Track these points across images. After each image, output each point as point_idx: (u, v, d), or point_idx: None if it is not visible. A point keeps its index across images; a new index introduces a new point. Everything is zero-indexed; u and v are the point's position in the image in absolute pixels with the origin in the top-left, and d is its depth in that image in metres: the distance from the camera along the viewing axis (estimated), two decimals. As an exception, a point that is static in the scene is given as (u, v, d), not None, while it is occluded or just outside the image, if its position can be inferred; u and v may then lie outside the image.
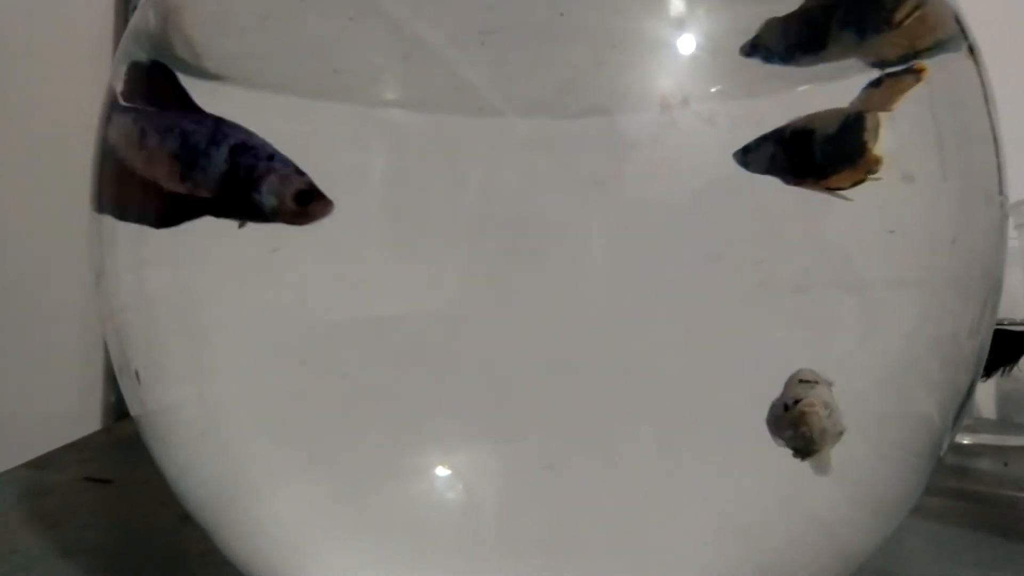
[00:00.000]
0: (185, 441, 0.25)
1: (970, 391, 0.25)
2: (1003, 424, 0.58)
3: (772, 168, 0.21)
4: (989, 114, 0.25)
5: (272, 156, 0.21)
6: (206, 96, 0.24)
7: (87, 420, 0.70)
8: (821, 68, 0.22)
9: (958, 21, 0.25)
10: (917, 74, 0.22)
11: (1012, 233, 0.26)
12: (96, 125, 0.26)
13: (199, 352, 0.24)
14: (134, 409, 0.26)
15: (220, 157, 0.20)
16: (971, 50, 0.25)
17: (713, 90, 0.21)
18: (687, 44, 0.21)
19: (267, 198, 0.20)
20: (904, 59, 0.22)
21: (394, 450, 0.22)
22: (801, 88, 0.23)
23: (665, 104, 0.20)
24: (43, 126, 0.71)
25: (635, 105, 0.21)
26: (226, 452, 0.24)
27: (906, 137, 0.22)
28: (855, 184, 0.21)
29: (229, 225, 0.23)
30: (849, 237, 0.22)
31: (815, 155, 0.21)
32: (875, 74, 0.22)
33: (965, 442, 0.58)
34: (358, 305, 0.22)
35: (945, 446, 0.25)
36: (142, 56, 0.25)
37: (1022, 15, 0.67)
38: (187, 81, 0.24)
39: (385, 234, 0.21)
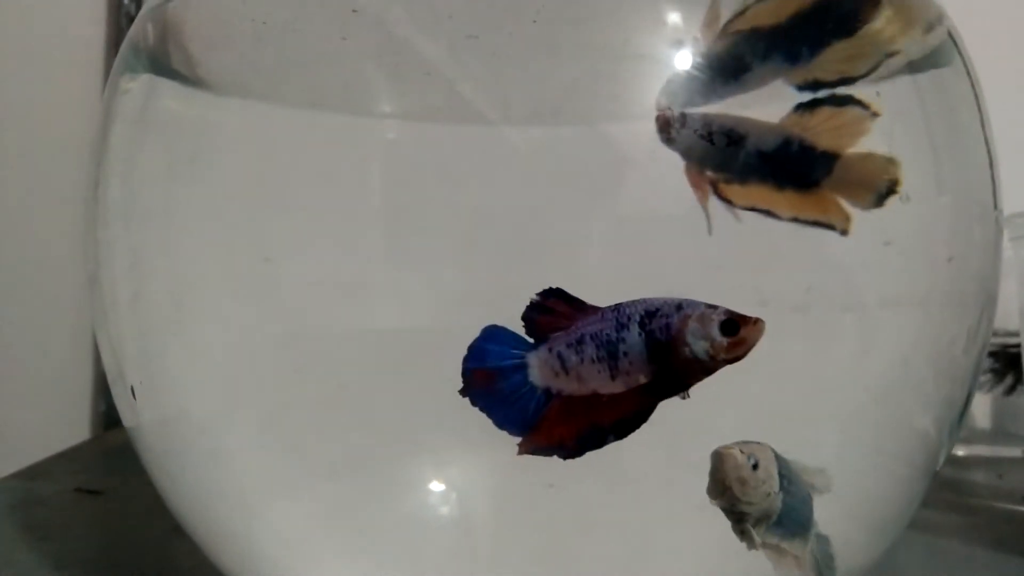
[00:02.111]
0: (178, 452, 0.25)
1: (966, 404, 0.25)
2: (998, 435, 0.58)
3: (688, 155, 0.21)
4: (983, 128, 0.25)
5: (680, 307, 0.20)
6: (204, 108, 0.24)
7: (77, 429, 0.69)
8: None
9: (950, 35, 0.25)
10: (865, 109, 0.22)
11: (1005, 245, 0.26)
12: (94, 136, 0.26)
13: (192, 362, 0.24)
14: (127, 420, 0.26)
15: (634, 336, 0.20)
16: (964, 64, 0.25)
17: (708, 102, 0.21)
18: (683, 58, 0.21)
19: (699, 347, 0.20)
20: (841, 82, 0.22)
21: (389, 462, 0.22)
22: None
23: (662, 120, 0.20)
24: (35, 132, 0.71)
25: (633, 117, 0.21)
26: (219, 464, 0.24)
27: (902, 154, 0.22)
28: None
29: (222, 235, 0.23)
30: (848, 257, 0.22)
31: (737, 161, 0.21)
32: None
33: (959, 454, 0.57)
34: (352, 316, 0.22)
35: (941, 460, 0.25)
36: (141, 68, 0.25)
37: (1013, 25, 0.67)
38: (186, 93, 0.24)
39: (380, 245, 0.21)
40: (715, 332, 0.20)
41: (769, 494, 0.21)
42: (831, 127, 0.21)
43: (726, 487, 0.20)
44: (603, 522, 0.22)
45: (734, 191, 0.21)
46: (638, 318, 0.20)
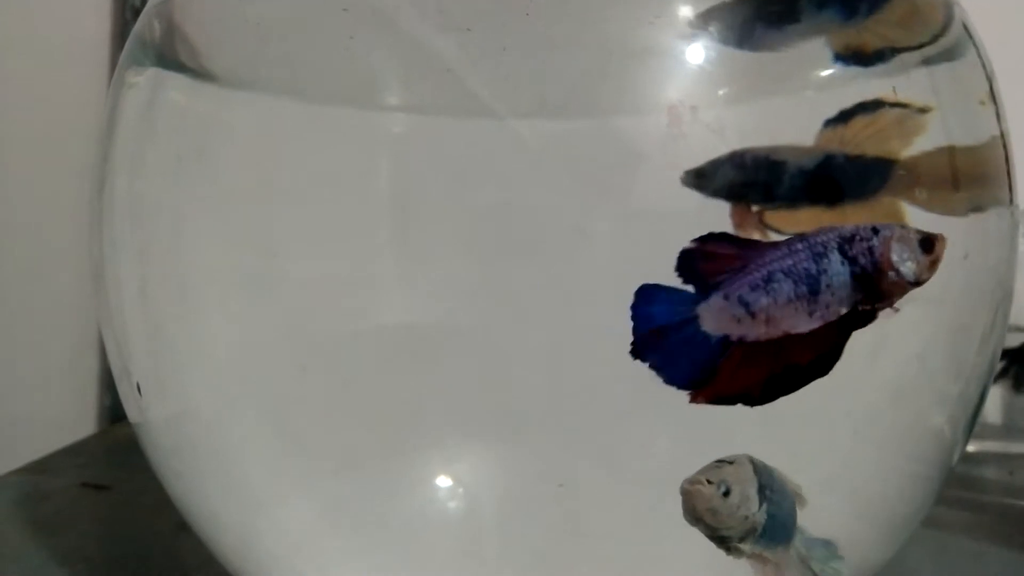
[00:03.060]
0: (183, 448, 0.25)
1: (981, 401, 0.25)
2: (1009, 430, 0.57)
3: (729, 193, 0.20)
4: (999, 120, 0.25)
5: (876, 230, 0.19)
6: (211, 102, 0.23)
7: (83, 423, 0.69)
8: (833, 74, 0.22)
9: (965, 27, 0.25)
10: (905, 107, 0.21)
11: (1020, 240, 0.26)
12: (100, 130, 0.26)
13: (198, 358, 0.24)
14: (132, 416, 0.26)
15: (836, 265, 0.19)
16: (979, 56, 0.25)
17: (721, 93, 0.21)
18: (695, 49, 0.21)
19: (907, 267, 0.19)
20: (880, 55, 0.22)
21: (395, 459, 0.22)
22: (807, 93, 0.22)
23: (674, 116, 0.20)
24: (40, 126, 0.71)
25: (643, 110, 0.21)
26: (224, 460, 0.24)
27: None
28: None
29: (229, 229, 0.23)
30: None
31: (782, 186, 0.20)
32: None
33: (970, 449, 0.56)
34: (359, 311, 0.21)
35: (956, 457, 0.25)
36: (147, 61, 0.25)
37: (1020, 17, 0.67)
38: (193, 86, 0.24)
39: (386, 239, 0.21)
40: (918, 251, 0.19)
41: (747, 516, 0.20)
42: (873, 133, 0.21)
43: (699, 519, 0.20)
44: (612, 522, 0.22)
45: (782, 218, 0.20)
46: (835, 245, 0.19)
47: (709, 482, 0.20)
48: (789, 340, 0.19)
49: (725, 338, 0.19)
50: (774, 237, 0.20)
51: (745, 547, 0.21)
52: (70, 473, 0.48)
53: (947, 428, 0.24)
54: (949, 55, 0.24)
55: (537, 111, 0.21)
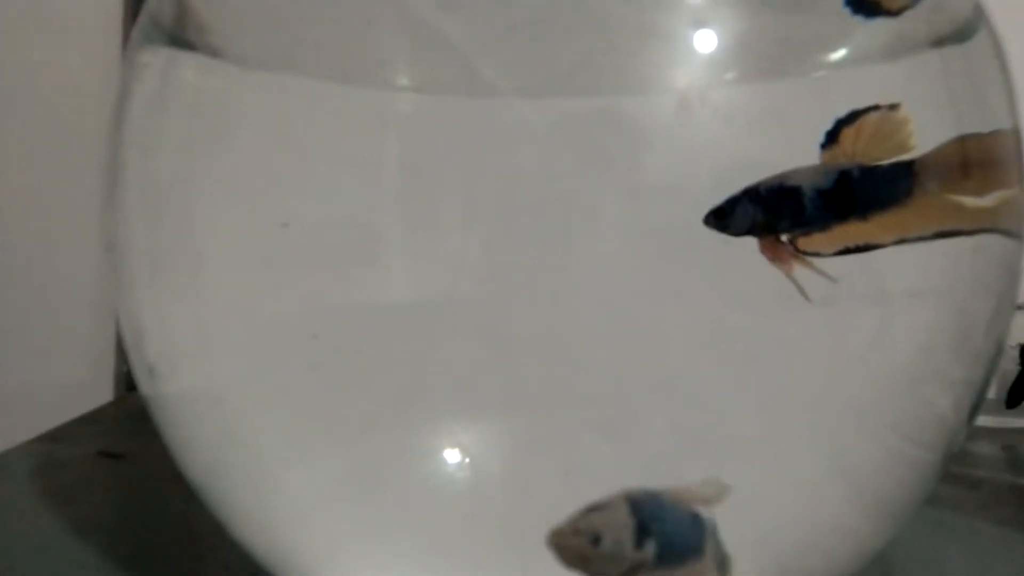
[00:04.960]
0: (194, 420, 0.25)
1: (985, 386, 0.25)
2: (1004, 405, 0.57)
3: (753, 229, 0.20)
4: (1010, 104, 0.25)
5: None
6: (223, 81, 0.23)
7: (99, 392, 0.70)
8: (842, 57, 0.22)
9: (978, 8, 0.24)
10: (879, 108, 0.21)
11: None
12: (113, 107, 0.26)
13: (210, 332, 0.24)
14: (144, 388, 0.27)
15: None
16: (992, 38, 0.25)
17: (728, 77, 0.21)
18: (704, 33, 0.21)
19: None
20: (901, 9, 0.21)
21: (406, 428, 0.22)
22: (818, 74, 0.22)
23: (685, 101, 0.20)
24: (55, 102, 0.71)
25: (654, 90, 0.21)
26: (235, 432, 0.24)
27: (928, 136, 0.21)
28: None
29: (240, 206, 0.23)
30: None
31: (805, 209, 0.20)
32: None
33: None
34: (368, 287, 0.22)
35: (958, 443, 0.25)
36: (158, 39, 0.25)
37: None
38: (204, 65, 0.24)
39: (397, 216, 0.21)
40: None
41: (624, 557, 0.20)
42: (878, 137, 0.21)
43: (572, 567, 0.20)
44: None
45: (818, 241, 0.20)
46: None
47: (577, 532, 0.20)
48: None
49: None
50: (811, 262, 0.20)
51: None
52: (86, 442, 0.49)
53: (951, 414, 0.24)
54: (961, 35, 0.23)
55: (544, 90, 0.21)
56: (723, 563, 0.21)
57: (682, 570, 0.21)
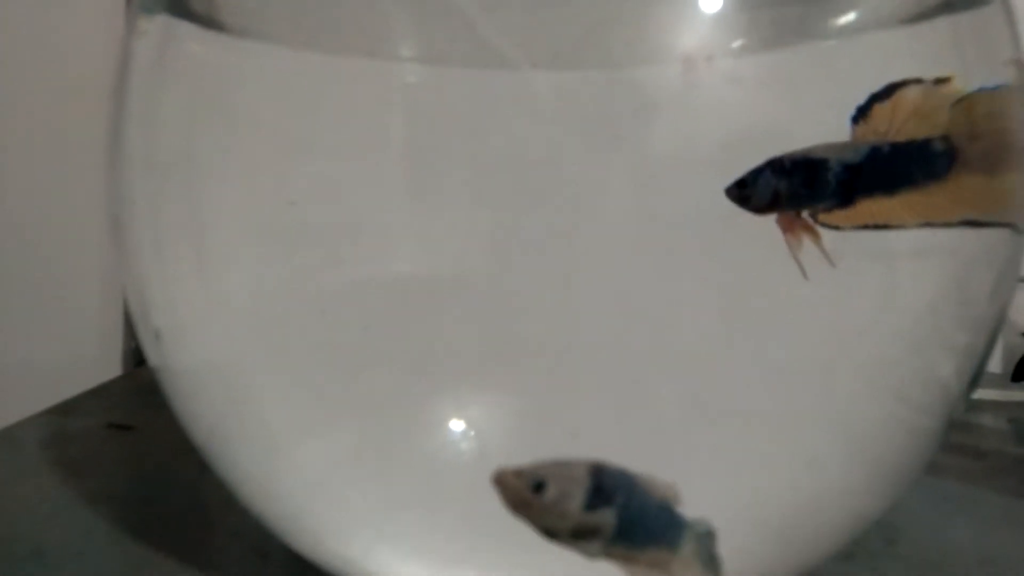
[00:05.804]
0: (202, 393, 0.25)
1: (987, 353, 0.25)
2: (1010, 379, 0.57)
3: (775, 202, 0.20)
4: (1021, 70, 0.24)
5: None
6: (223, 51, 0.23)
7: (109, 365, 0.70)
8: (852, 21, 0.22)
9: None
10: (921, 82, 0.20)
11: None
12: (114, 77, 0.26)
13: (216, 305, 0.24)
14: (152, 360, 0.27)
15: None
16: (1004, 4, 0.24)
17: (736, 45, 0.21)
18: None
19: None
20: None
21: (413, 402, 0.22)
22: (829, 43, 0.22)
23: (688, 64, 0.20)
24: (61, 74, 0.71)
25: (658, 59, 0.21)
26: (243, 404, 0.24)
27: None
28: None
29: (244, 179, 0.23)
30: None
31: (829, 184, 0.20)
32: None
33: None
34: (375, 259, 0.22)
35: (961, 409, 0.25)
36: (158, 9, 0.25)
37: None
38: (204, 35, 0.23)
39: (403, 188, 0.21)
40: None
41: (568, 514, 0.20)
42: (918, 116, 0.20)
43: (516, 512, 0.20)
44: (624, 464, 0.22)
45: (841, 216, 0.20)
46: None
47: (520, 474, 0.20)
48: None
49: None
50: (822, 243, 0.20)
51: (593, 547, 0.20)
52: (96, 414, 0.49)
53: (953, 380, 0.24)
54: (968, 4, 0.23)
55: (550, 61, 0.21)
56: (712, 565, 0.21)
57: (642, 555, 0.21)
